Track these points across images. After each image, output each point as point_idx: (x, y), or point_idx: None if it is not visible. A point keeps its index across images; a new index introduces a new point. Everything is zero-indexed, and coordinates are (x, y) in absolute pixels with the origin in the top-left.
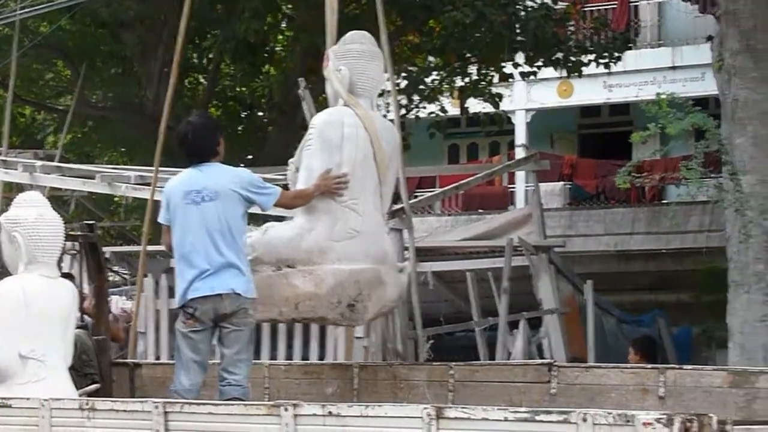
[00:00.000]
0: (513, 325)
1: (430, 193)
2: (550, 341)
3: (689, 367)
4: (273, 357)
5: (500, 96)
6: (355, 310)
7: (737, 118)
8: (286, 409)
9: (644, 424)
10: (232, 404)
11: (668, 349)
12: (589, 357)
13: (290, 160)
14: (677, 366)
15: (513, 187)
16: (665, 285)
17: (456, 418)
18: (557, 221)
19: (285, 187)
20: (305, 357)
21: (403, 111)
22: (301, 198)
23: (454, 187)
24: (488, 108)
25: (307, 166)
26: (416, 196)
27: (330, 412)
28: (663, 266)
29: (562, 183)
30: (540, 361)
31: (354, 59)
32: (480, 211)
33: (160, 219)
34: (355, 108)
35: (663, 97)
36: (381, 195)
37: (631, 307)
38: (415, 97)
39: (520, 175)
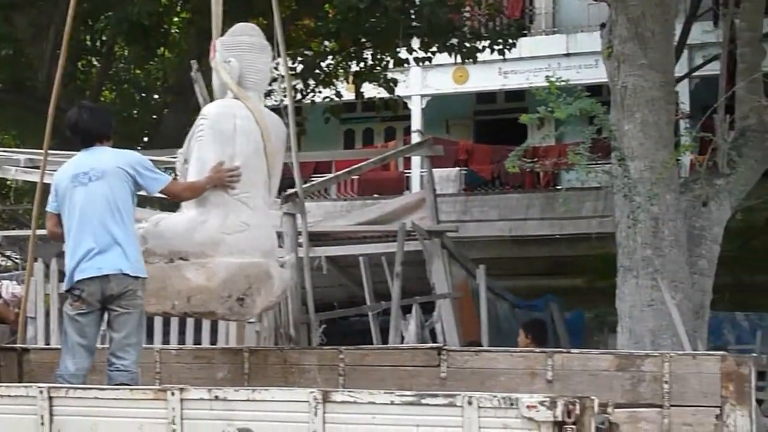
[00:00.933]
0: (406, 310)
1: (325, 178)
2: (443, 326)
3: (576, 351)
4: (165, 343)
5: (395, 81)
6: (244, 305)
7: (626, 105)
8: (172, 394)
9: (528, 407)
10: (119, 389)
11: (561, 334)
12: (482, 341)
13: (179, 151)
14: (565, 350)
15: (409, 173)
16: (559, 270)
17: (342, 402)
18: (452, 206)
19: None
20: (197, 342)
21: (299, 96)
22: (191, 190)
23: (347, 171)
24: (383, 93)
25: (199, 157)
26: (312, 181)
27: (217, 397)
28: (557, 251)
29: (457, 169)
30: (429, 345)
31: (244, 52)
32: (375, 196)
33: (48, 207)
34: (245, 101)
35: (553, 80)
36: (269, 189)
37: (525, 292)
38: (311, 82)
39: (415, 160)
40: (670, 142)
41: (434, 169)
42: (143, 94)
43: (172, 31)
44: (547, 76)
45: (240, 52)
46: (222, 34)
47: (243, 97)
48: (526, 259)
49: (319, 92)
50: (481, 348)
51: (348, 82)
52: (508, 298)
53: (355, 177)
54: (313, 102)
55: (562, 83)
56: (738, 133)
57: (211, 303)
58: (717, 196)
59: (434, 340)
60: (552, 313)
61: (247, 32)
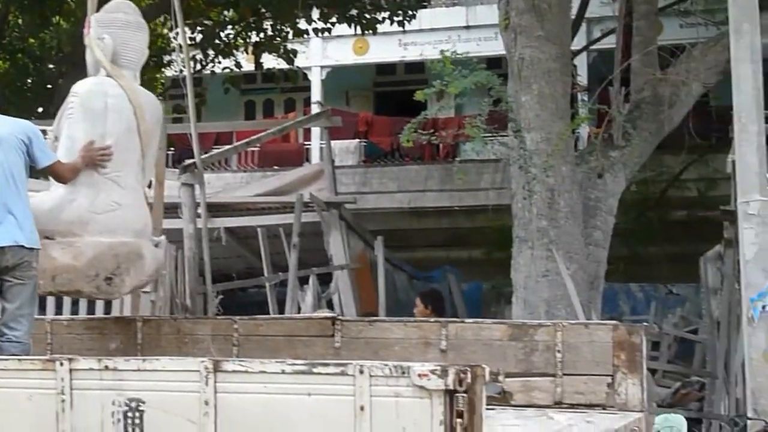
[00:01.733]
0: (304, 281)
1: (224, 149)
2: (340, 297)
3: (470, 320)
4: (58, 314)
5: (295, 52)
6: (112, 284)
7: (523, 77)
8: (61, 364)
9: (419, 375)
10: (6, 359)
11: (458, 305)
12: (379, 312)
13: (49, 129)
14: (458, 320)
15: (309, 145)
16: (457, 242)
17: (234, 371)
18: (351, 178)
19: None
20: (91, 313)
21: (198, 66)
22: (72, 172)
23: (246, 142)
24: (283, 64)
25: (69, 135)
26: (213, 152)
27: (106, 366)
28: (455, 223)
29: (357, 140)
30: (324, 315)
31: (119, 29)
32: (276, 167)
33: None
34: (118, 79)
35: (447, 54)
36: (143, 168)
37: (423, 264)
38: (210, 52)
39: (315, 132)
40: (566, 114)
41: (333, 141)
42: (37, 64)
43: None
44: (441, 51)
45: (115, 30)
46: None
47: (116, 75)
48: (424, 231)
49: (219, 63)
50: (375, 318)
51: (248, 53)
52: (406, 270)
53: (256, 149)
54: (212, 72)
55: (458, 56)
56: (633, 106)
57: (78, 282)
58: (612, 168)
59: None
60: (450, 285)
61: (122, 9)
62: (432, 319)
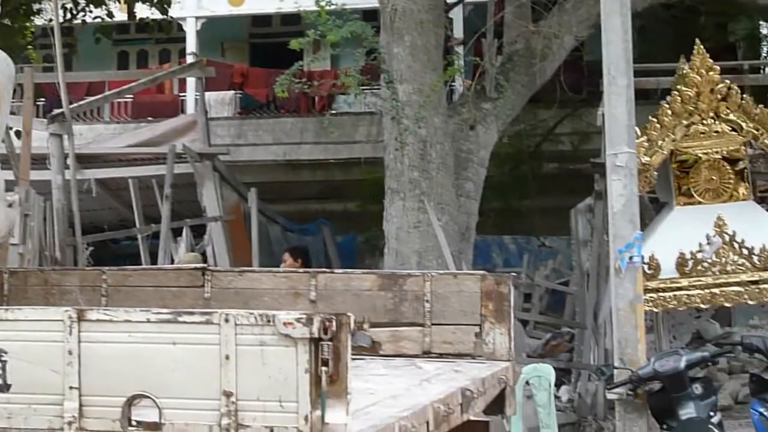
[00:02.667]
0: (177, 233)
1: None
2: (213, 249)
3: (340, 271)
4: None
5: (169, 2)
6: None
7: (395, 28)
8: None
9: (285, 323)
10: None
11: (333, 257)
12: (253, 264)
13: None
14: (328, 270)
15: (184, 96)
16: (332, 194)
17: (98, 320)
18: (226, 130)
19: None
20: None
21: (68, 15)
22: None
23: (117, 92)
24: (157, 14)
25: None
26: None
27: None
28: (331, 176)
29: (232, 92)
30: (193, 265)
31: None
32: (150, 119)
33: None
34: None
35: (323, 4)
36: None
37: (299, 216)
38: (81, 1)
39: (191, 83)
40: (439, 65)
41: (208, 93)
42: None
43: None
44: (317, 2)
45: None
46: None
47: None
48: (299, 183)
49: (90, 12)
50: (245, 268)
51: (120, 2)
52: (280, 222)
53: (129, 99)
54: (84, 22)
55: (334, 7)
56: (505, 58)
57: None
58: (484, 120)
59: (205, 263)
60: (324, 237)
61: None
62: (302, 270)
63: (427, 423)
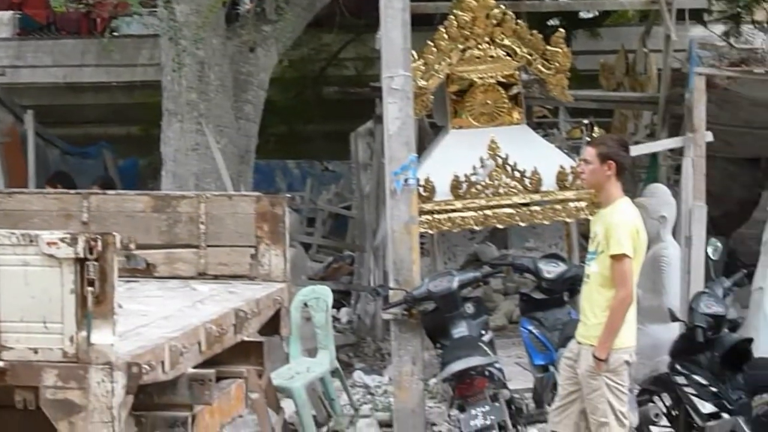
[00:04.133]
0: None
1: None
2: None
3: (113, 192)
4: None
5: None
6: None
7: None
8: None
9: (48, 243)
10: None
11: (115, 180)
12: (30, 187)
13: None
14: (100, 191)
15: None
16: (115, 118)
17: None
18: (5, 51)
19: None
20: None
21: None
22: None
23: None
24: None
25: None
26: None
27: None
28: (113, 99)
29: (11, 12)
30: None
31: None
32: None
33: None
34: None
35: None
36: None
37: (81, 140)
38: None
39: None
40: None
41: None
42: None
43: None
44: None
45: None
46: None
47: None
48: (81, 107)
49: None
50: (14, 189)
51: None
52: (59, 145)
53: None
54: None
55: None
56: None
57: None
58: (264, 43)
59: None
60: (105, 161)
61: None
62: (73, 191)
63: (199, 343)
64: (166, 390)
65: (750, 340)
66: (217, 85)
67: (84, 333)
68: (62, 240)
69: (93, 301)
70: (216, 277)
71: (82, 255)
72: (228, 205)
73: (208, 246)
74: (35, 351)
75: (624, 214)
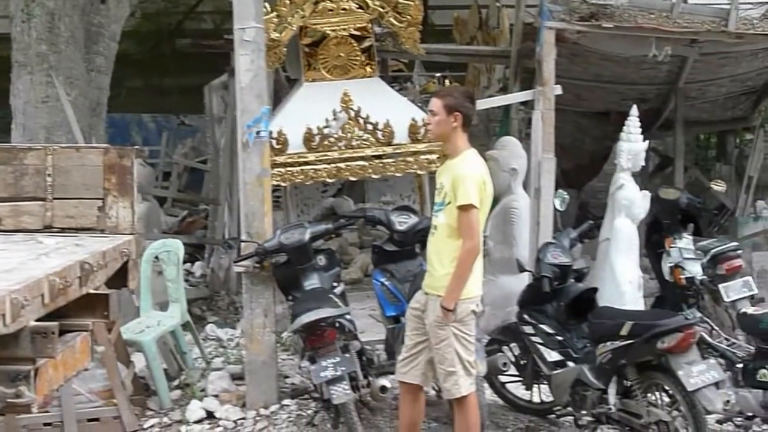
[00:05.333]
0: None
1: None
2: None
3: None
4: None
5: None
6: None
7: None
8: None
9: None
10: None
11: None
12: None
13: None
14: None
15: None
16: None
17: None
18: None
19: None
20: None
21: None
22: None
23: None
24: None
25: None
26: None
27: None
28: None
29: None
30: None
31: None
32: None
33: None
34: None
35: None
36: None
37: None
38: None
39: None
40: None
41: None
42: None
43: None
44: None
45: None
46: None
47: None
48: None
49: None
50: None
51: None
52: None
53: None
54: None
55: None
56: None
57: None
58: None
59: None
60: None
61: None
62: None
63: (42, 296)
64: (8, 343)
65: (594, 290)
66: (68, 37)
67: None
68: None
69: None
70: (63, 230)
71: None
72: (75, 157)
73: (55, 198)
74: None
75: (471, 165)
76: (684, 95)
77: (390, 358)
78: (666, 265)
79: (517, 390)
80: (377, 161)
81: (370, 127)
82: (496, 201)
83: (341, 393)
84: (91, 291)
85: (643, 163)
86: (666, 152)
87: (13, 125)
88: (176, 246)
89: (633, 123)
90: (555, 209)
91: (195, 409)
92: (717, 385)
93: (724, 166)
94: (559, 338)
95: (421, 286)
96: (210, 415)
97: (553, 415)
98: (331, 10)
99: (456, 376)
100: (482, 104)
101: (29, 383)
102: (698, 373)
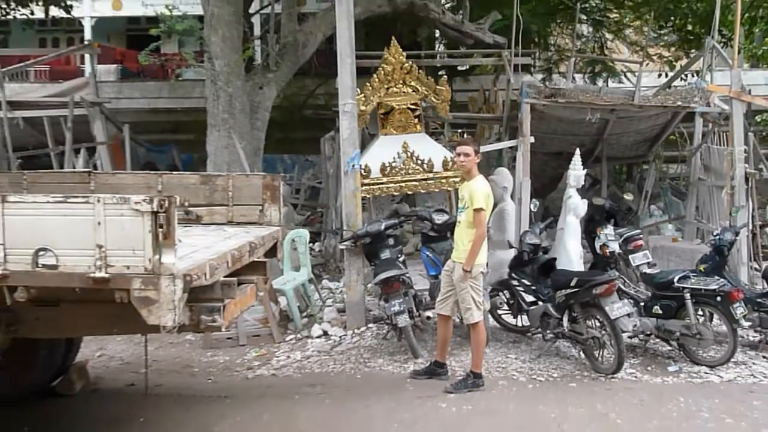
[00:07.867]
0: (77, 153)
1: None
2: (102, 163)
3: (177, 173)
4: None
5: (72, 6)
6: None
7: (212, 24)
8: None
9: (136, 203)
10: None
11: (179, 167)
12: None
13: None
14: (168, 172)
15: (83, 66)
16: (180, 129)
17: (15, 201)
18: (111, 88)
19: None
20: None
21: (3, 12)
22: None
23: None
24: (63, 13)
25: None
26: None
27: None
28: (178, 118)
29: (115, 65)
30: (83, 169)
31: None
32: (60, 80)
33: None
34: None
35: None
36: None
37: (157, 142)
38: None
39: (87, 59)
40: (239, 49)
41: (99, 66)
42: None
43: None
44: (167, 5)
45: None
46: None
47: None
48: (158, 123)
49: (18, 10)
50: (116, 171)
51: (39, 4)
52: (144, 146)
53: (46, 68)
54: (15, 18)
55: (178, 12)
56: (281, 46)
57: None
58: (268, 84)
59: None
60: (173, 155)
61: None
62: (153, 173)
63: (227, 262)
64: (208, 290)
65: (554, 259)
66: (240, 109)
67: (157, 257)
68: (144, 200)
69: (162, 237)
70: (239, 224)
71: (155, 209)
72: (246, 181)
73: (234, 205)
74: (128, 267)
75: (480, 184)
76: (607, 142)
77: (432, 300)
78: (597, 244)
79: (508, 318)
80: (424, 182)
81: (419, 161)
82: (495, 206)
83: (403, 320)
84: (255, 259)
85: (583, 183)
86: (596, 176)
87: (208, 162)
88: (304, 233)
89: (576, 159)
90: (530, 211)
91: (316, 330)
92: (629, 315)
93: (631, 185)
94: (533, 288)
95: (450, 257)
96: (325, 333)
97: (530, 333)
98: (396, 93)
99: (471, 310)
100: (486, 148)
101: (220, 313)
102: (617, 308)
